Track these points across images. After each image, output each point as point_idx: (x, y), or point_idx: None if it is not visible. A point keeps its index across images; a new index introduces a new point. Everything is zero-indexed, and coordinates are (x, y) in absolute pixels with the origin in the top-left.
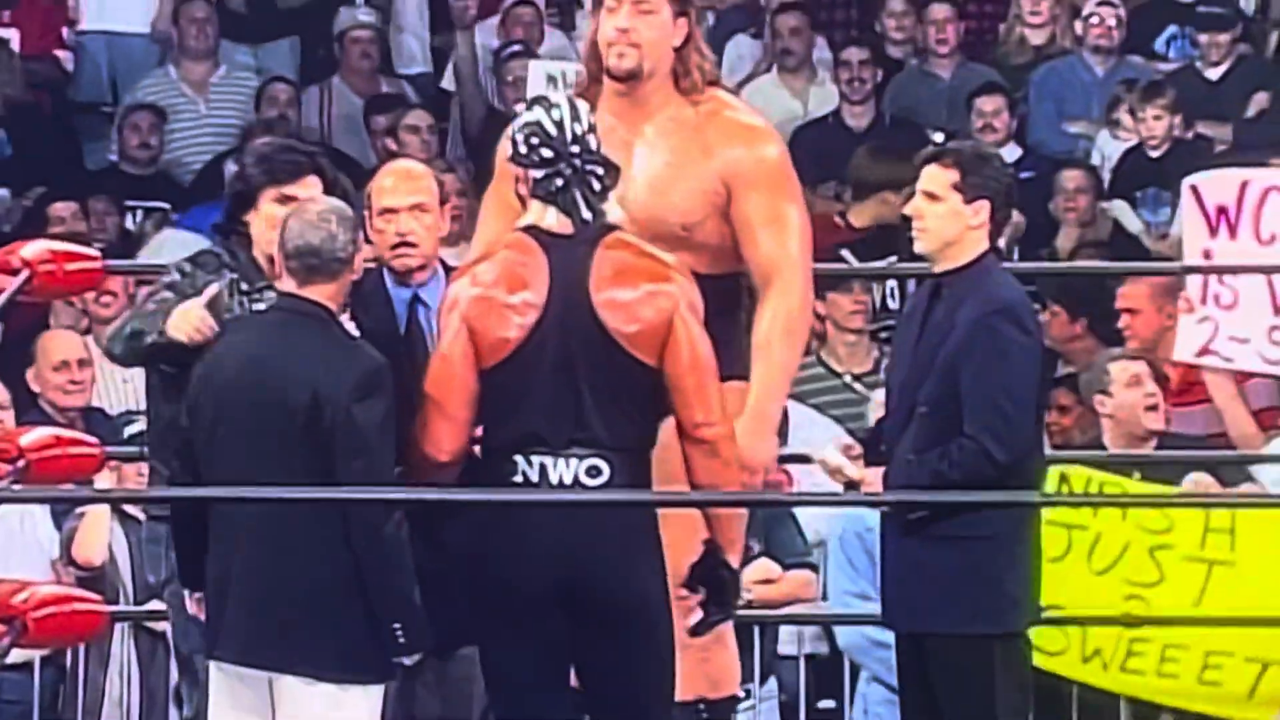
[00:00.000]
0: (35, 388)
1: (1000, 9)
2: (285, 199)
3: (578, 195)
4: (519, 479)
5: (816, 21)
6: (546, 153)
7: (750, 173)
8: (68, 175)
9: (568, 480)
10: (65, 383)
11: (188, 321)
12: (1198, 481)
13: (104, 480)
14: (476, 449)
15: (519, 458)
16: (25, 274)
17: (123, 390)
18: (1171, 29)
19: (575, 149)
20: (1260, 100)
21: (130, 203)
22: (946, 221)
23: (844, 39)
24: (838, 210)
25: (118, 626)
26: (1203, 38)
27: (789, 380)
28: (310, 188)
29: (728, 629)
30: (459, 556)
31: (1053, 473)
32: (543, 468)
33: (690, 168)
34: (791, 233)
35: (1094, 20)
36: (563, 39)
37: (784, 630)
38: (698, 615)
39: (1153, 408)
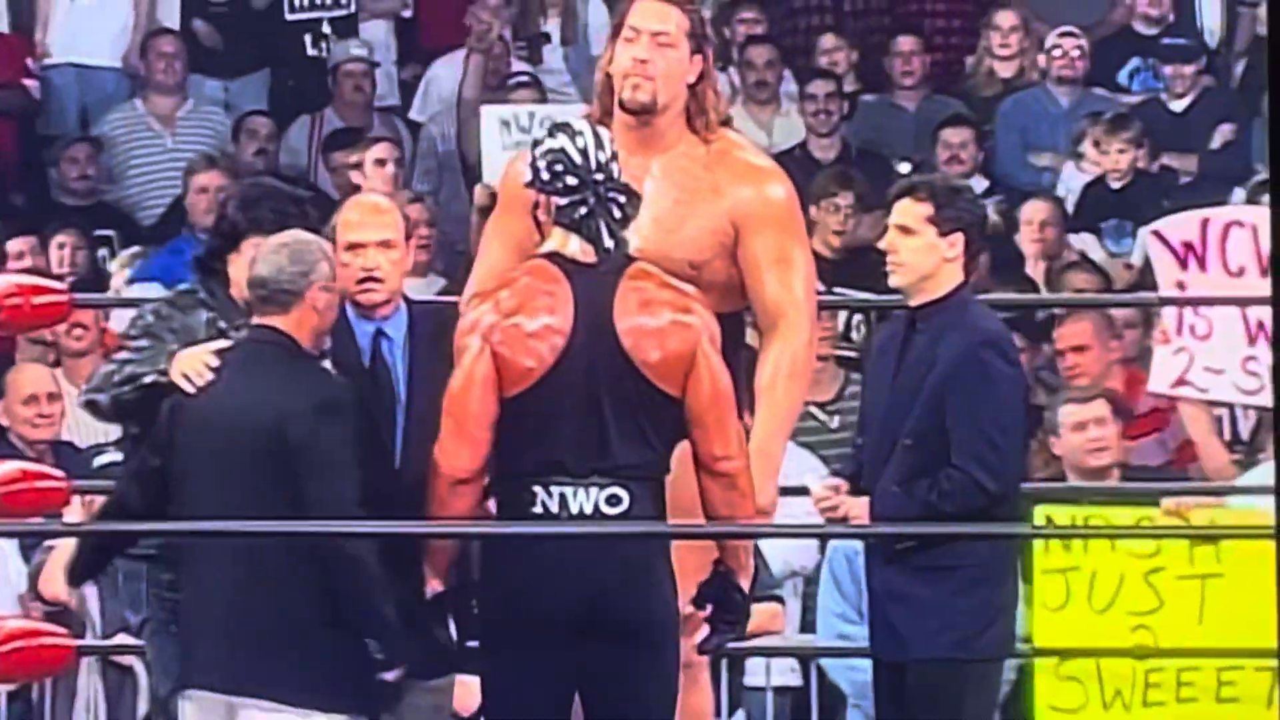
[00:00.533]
0: (4, 421)
1: (967, 41)
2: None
3: (600, 224)
4: (538, 509)
5: (784, 53)
6: (571, 180)
7: (759, 214)
8: (33, 208)
9: (588, 509)
10: (34, 416)
11: (193, 365)
12: (1180, 502)
13: (73, 514)
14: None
15: (538, 487)
16: None
17: (92, 423)
18: (1135, 62)
19: (599, 176)
20: (1225, 132)
21: (100, 231)
22: (922, 255)
23: (810, 72)
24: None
25: (85, 661)
26: (1167, 69)
27: (792, 422)
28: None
29: (703, 670)
30: (464, 582)
31: (1039, 514)
32: (563, 497)
33: (700, 206)
34: (798, 274)
35: (1057, 52)
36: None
37: (751, 662)
38: (704, 633)
39: (1098, 450)
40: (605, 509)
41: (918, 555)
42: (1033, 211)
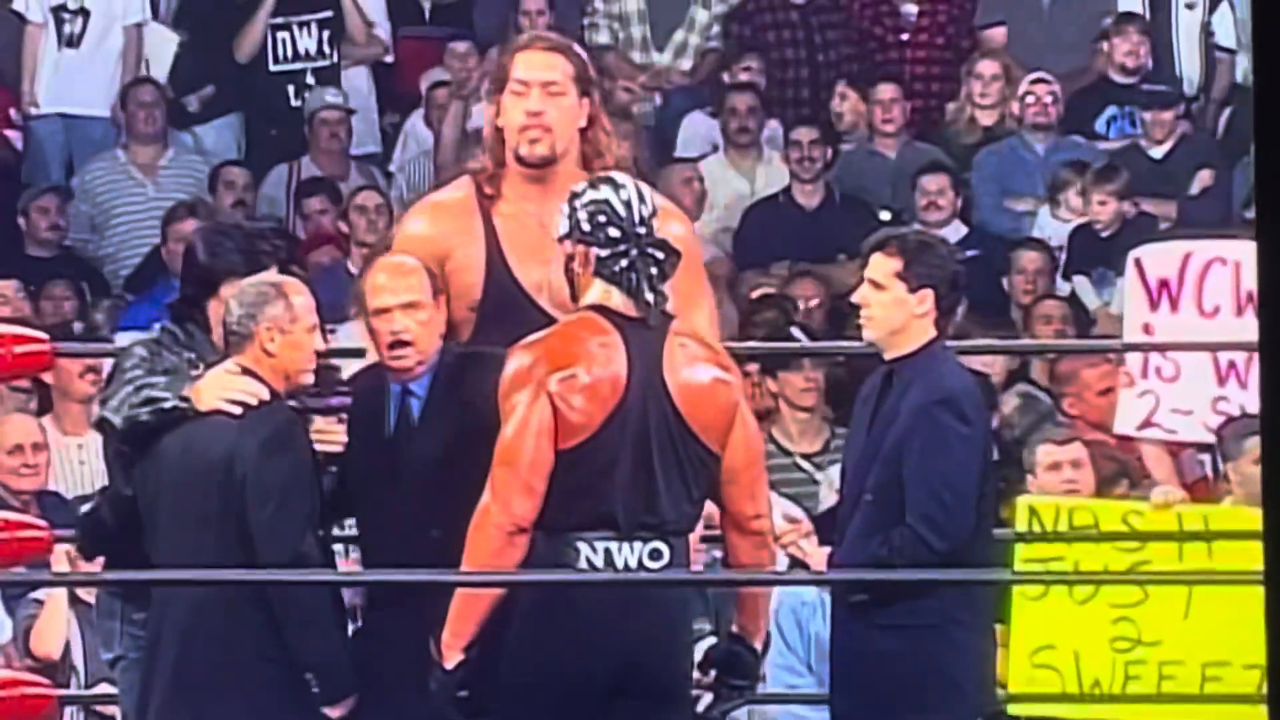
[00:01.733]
0: None
1: (947, 88)
2: None
3: (641, 278)
4: (581, 564)
5: (767, 101)
6: (613, 231)
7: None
8: (14, 257)
9: (632, 564)
10: (19, 466)
11: (218, 389)
12: (1167, 494)
13: (58, 564)
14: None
15: (581, 542)
16: None
17: (79, 472)
18: (1111, 110)
19: (641, 230)
20: (1204, 178)
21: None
22: (891, 310)
23: (794, 118)
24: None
25: (68, 710)
26: (1146, 115)
27: None
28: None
29: None
30: (493, 641)
31: (1022, 505)
32: (608, 552)
33: None
34: (704, 310)
35: (1030, 99)
36: None
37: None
38: (708, 698)
39: (1071, 491)
40: (648, 563)
41: (878, 612)
42: (1026, 260)
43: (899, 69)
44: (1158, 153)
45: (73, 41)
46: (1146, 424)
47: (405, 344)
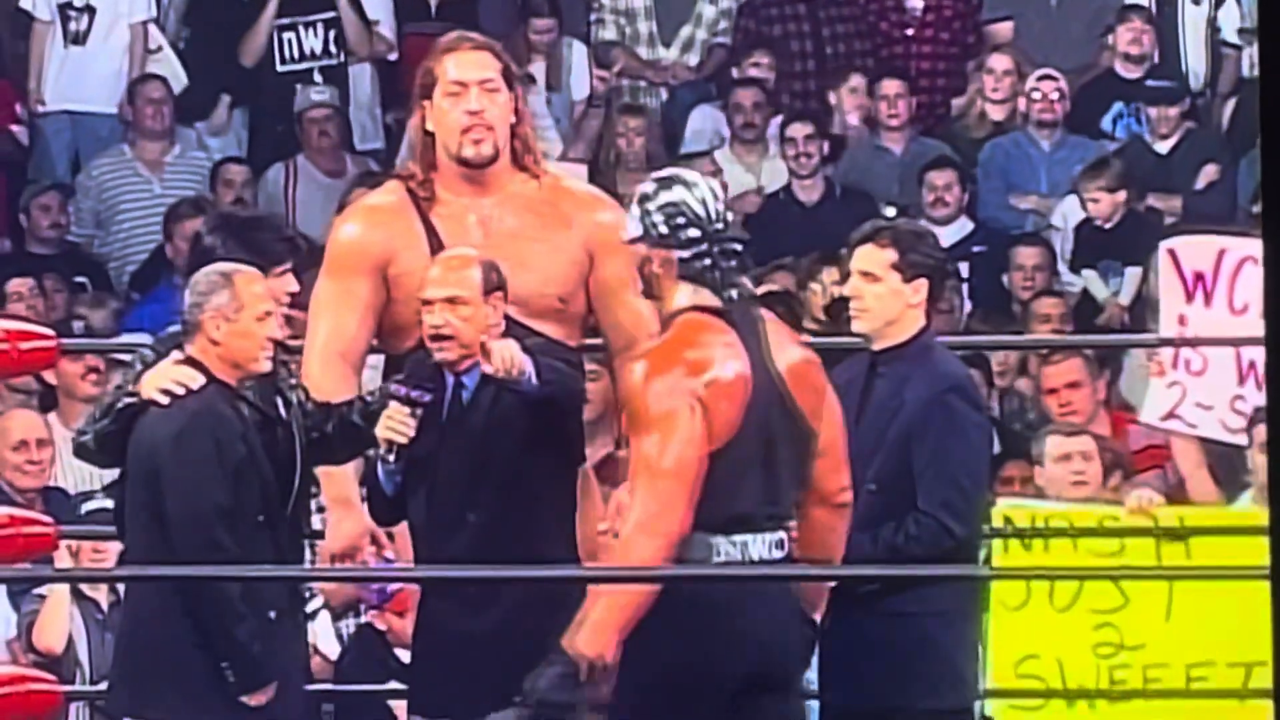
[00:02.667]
0: None
1: (954, 83)
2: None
3: (721, 274)
4: (719, 560)
5: (774, 96)
6: (692, 232)
7: (610, 239)
8: (18, 253)
9: (765, 556)
10: (23, 463)
11: (155, 379)
12: (1139, 498)
13: (61, 560)
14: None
15: (720, 539)
16: None
17: (83, 469)
18: (1118, 107)
19: (719, 226)
20: (1209, 173)
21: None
22: (887, 301)
23: (794, 114)
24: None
25: (74, 706)
26: (1152, 111)
27: None
28: (289, 283)
29: None
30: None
31: (997, 513)
32: (744, 546)
33: (555, 240)
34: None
35: (1036, 95)
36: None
37: None
38: None
39: (1079, 483)
40: (775, 554)
41: (886, 601)
42: (1024, 256)
43: (905, 64)
44: (1163, 148)
45: (79, 39)
46: (1170, 415)
47: (445, 338)
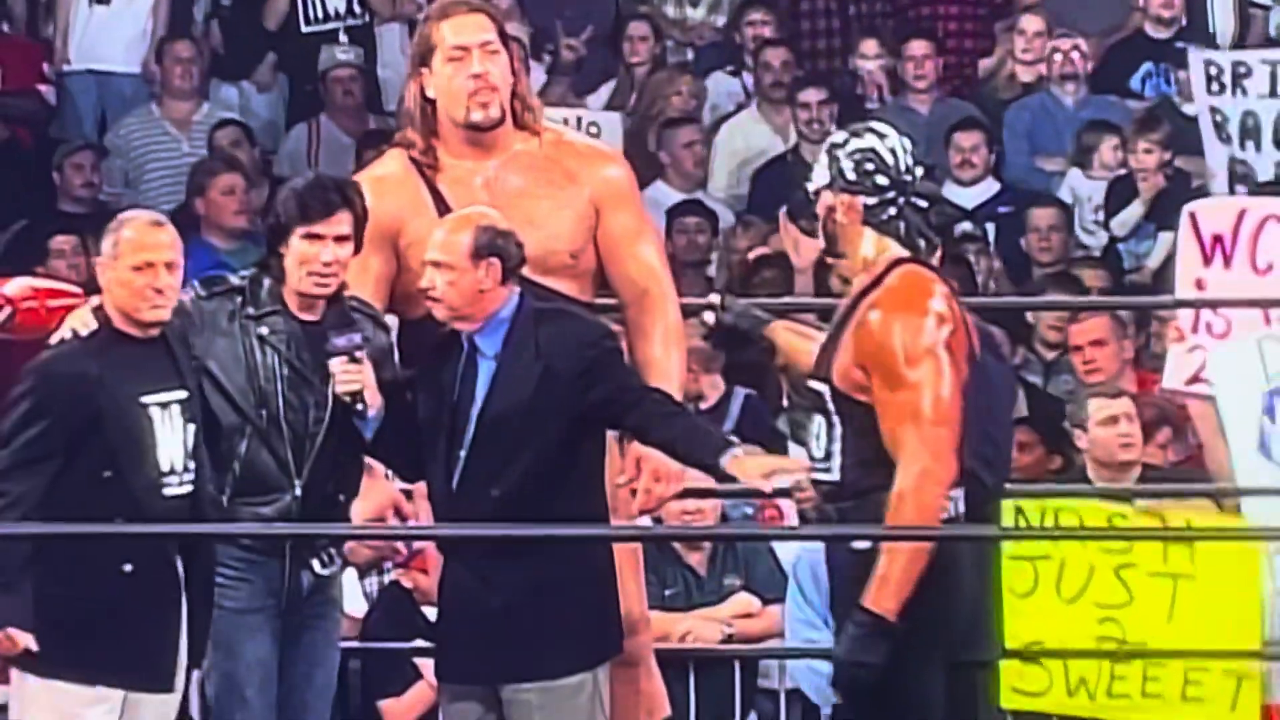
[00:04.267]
0: None
1: (981, 45)
2: (313, 237)
3: (909, 225)
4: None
5: (800, 57)
6: (881, 179)
7: (616, 192)
8: (47, 211)
9: (962, 510)
10: None
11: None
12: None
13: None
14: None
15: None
16: (7, 310)
17: None
18: (1147, 66)
19: (908, 178)
20: (1241, 191)
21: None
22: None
23: (809, 78)
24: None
25: None
26: (1181, 73)
27: (683, 385)
28: (340, 224)
29: (651, 659)
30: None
31: (1007, 506)
32: (955, 501)
33: (562, 196)
34: (653, 247)
35: (1057, 56)
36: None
37: (764, 664)
38: None
39: (1127, 444)
40: (961, 507)
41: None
42: (1039, 218)
43: (932, 25)
44: (1191, 109)
45: None
46: (1194, 379)
47: (433, 300)
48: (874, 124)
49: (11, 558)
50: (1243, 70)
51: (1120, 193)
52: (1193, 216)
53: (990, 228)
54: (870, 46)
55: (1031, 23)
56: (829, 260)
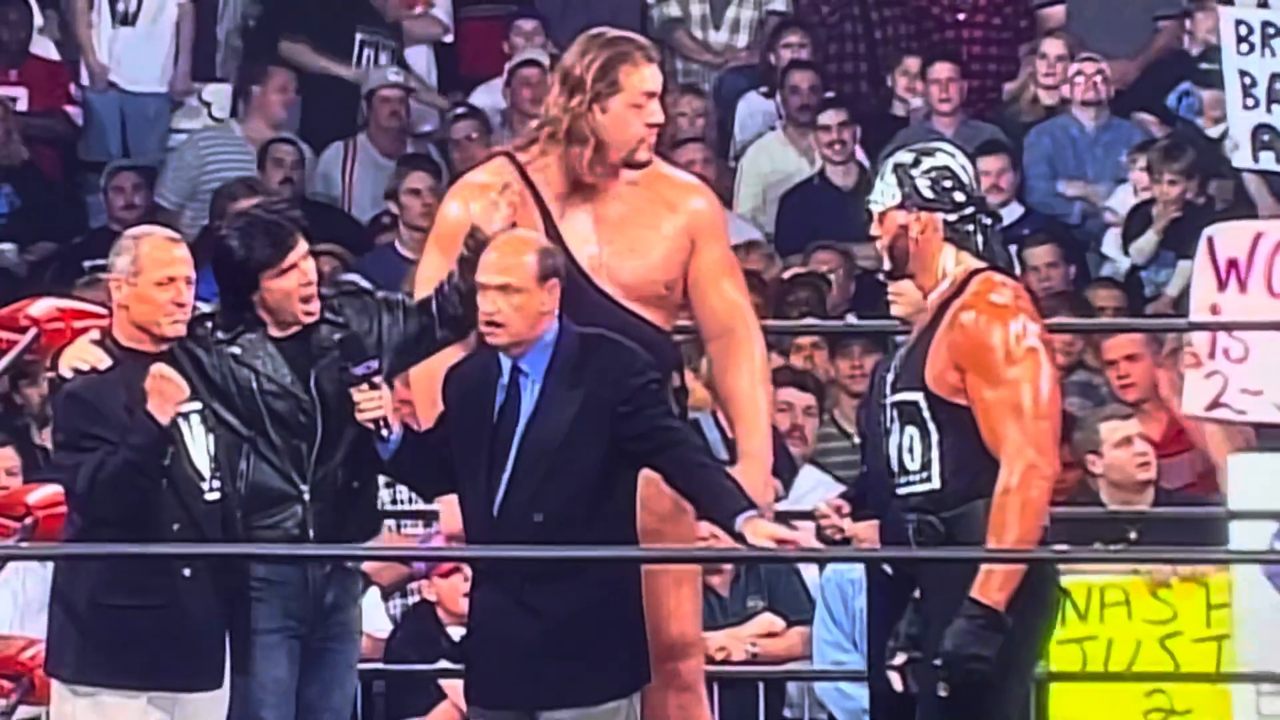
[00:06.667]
0: (48, 444)
1: (1005, 68)
2: (285, 270)
3: (984, 239)
4: None
5: (827, 79)
6: (959, 196)
7: (709, 225)
8: (74, 233)
9: None
10: None
11: (68, 357)
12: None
13: None
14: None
15: None
16: (33, 332)
17: None
18: (1184, 85)
19: (978, 195)
20: (1267, 159)
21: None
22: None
23: (830, 100)
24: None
25: None
26: (1204, 94)
27: (771, 422)
28: (300, 244)
29: (702, 685)
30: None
31: None
32: None
33: (662, 227)
34: (741, 282)
35: (1079, 79)
36: None
37: (791, 689)
38: None
39: (1144, 464)
40: None
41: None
42: (1035, 257)
43: (956, 48)
44: (1216, 132)
45: (128, 19)
46: (1215, 404)
47: (496, 325)
48: (938, 145)
49: (84, 584)
50: (1272, 31)
51: (1138, 220)
52: (1210, 241)
53: (1013, 250)
54: (913, 65)
55: (1054, 46)
56: (890, 280)
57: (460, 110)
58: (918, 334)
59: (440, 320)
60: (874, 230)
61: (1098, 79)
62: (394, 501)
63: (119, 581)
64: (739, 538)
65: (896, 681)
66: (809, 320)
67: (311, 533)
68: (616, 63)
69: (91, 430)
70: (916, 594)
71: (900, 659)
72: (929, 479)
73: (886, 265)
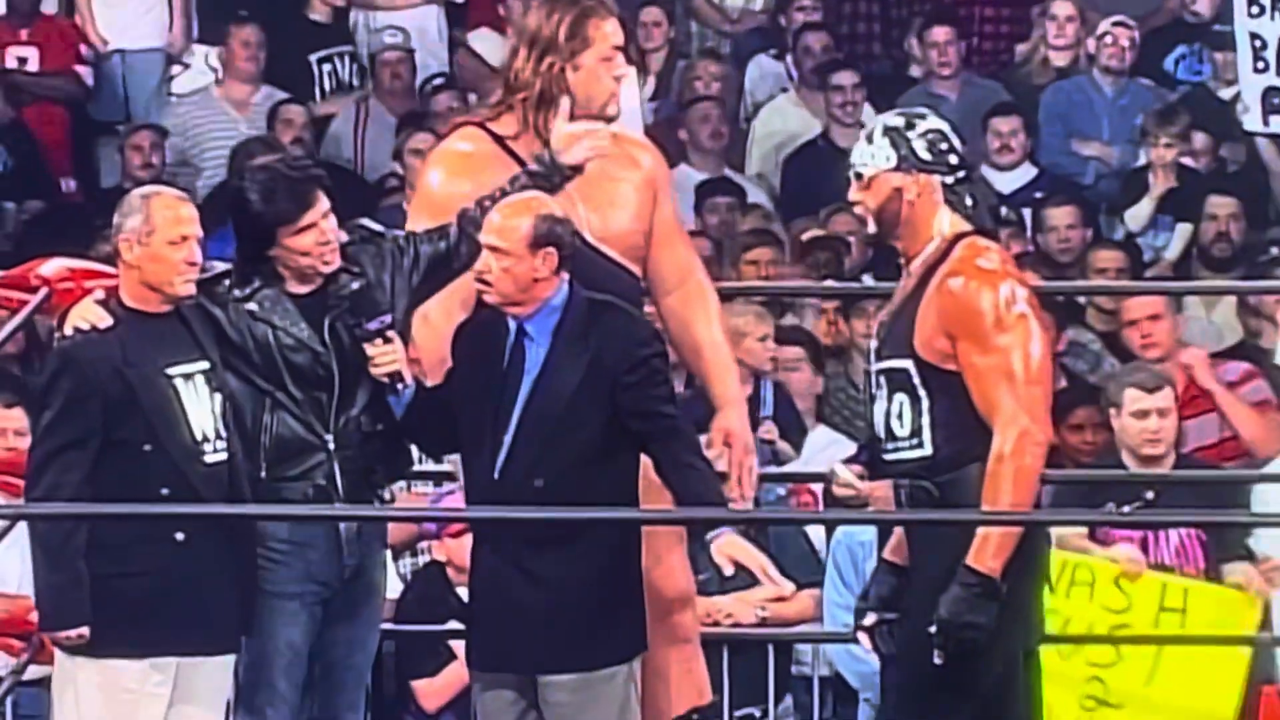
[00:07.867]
0: None
1: (1017, 29)
2: (304, 229)
3: (974, 200)
4: None
5: (839, 40)
6: (953, 158)
7: (665, 180)
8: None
9: None
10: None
11: (72, 316)
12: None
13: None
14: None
15: None
16: (44, 291)
17: None
18: (1181, 49)
19: (969, 158)
20: (1277, 122)
21: None
22: None
23: (843, 61)
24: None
25: None
26: (1218, 56)
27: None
28: (321, 203)
29: (698, 639)
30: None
31: None
32: None
33: (632, 182)
34: (685, 237)
35: (1108, 39)
36: None
37: (799, 649)
38: None
39: (1153, 441)
40: None
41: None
42: (1056, 218)
43: (969, 10)
44: (1227, 94)
45: None
46: None
47: (483, 282)
48: (919, 110)
49: (66, 549)
50: None
51: (1133, 186)
52: None
53: (1027, 213)
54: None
55: (1063, 8)
56: (878, 242)
57: (438, 81)
58: (902, 300)
59: (459, 245)
60: (855, 194)
61: (1125, 43)
62: None
63: (104, 551)
64: (707, 550)
65: (865, 642)
66: (790, 283)
67: (340, 482)
68: (584, 18)
69: (77, 391)
70: (885, 554)
71: (870, 619)
72: (920, 445)
73: (872, 229)
